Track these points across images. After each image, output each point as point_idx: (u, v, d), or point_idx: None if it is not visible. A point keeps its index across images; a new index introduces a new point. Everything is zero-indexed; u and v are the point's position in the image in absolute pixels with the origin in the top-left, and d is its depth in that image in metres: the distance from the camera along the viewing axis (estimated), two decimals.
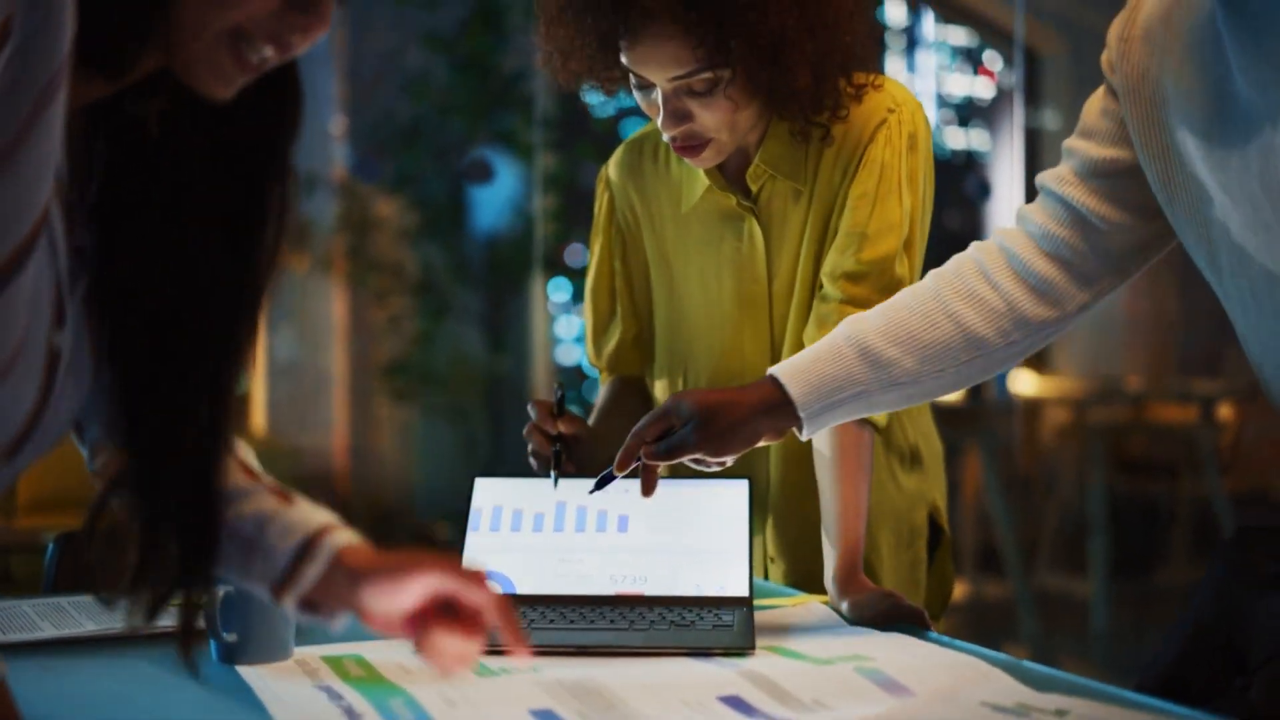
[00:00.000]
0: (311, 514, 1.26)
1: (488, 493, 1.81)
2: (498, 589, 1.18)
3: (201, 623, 1.23)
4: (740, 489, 1.77)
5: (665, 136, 1.80)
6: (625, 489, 1.78)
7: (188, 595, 1.21)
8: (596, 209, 2.06)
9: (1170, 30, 1.45)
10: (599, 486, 1.71)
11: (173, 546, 1.18)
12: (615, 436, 1.98)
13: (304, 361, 5.95)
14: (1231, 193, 1.39)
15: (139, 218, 1.15)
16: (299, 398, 5.92)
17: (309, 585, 1.22)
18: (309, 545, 1.23)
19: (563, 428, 1.86)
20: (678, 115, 1.77)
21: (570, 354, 6.34)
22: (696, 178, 1.91)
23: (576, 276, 6.11)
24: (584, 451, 1.89)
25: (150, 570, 1.19)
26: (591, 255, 2.07)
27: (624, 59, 1.75)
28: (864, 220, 1.80)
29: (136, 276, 1.15)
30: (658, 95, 1.77)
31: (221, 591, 1.49)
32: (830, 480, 1.77)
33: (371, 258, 5.77)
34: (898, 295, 1.68)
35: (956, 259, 1.68)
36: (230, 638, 1.50)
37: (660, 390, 2.03)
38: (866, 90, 1.83)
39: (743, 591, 1.68)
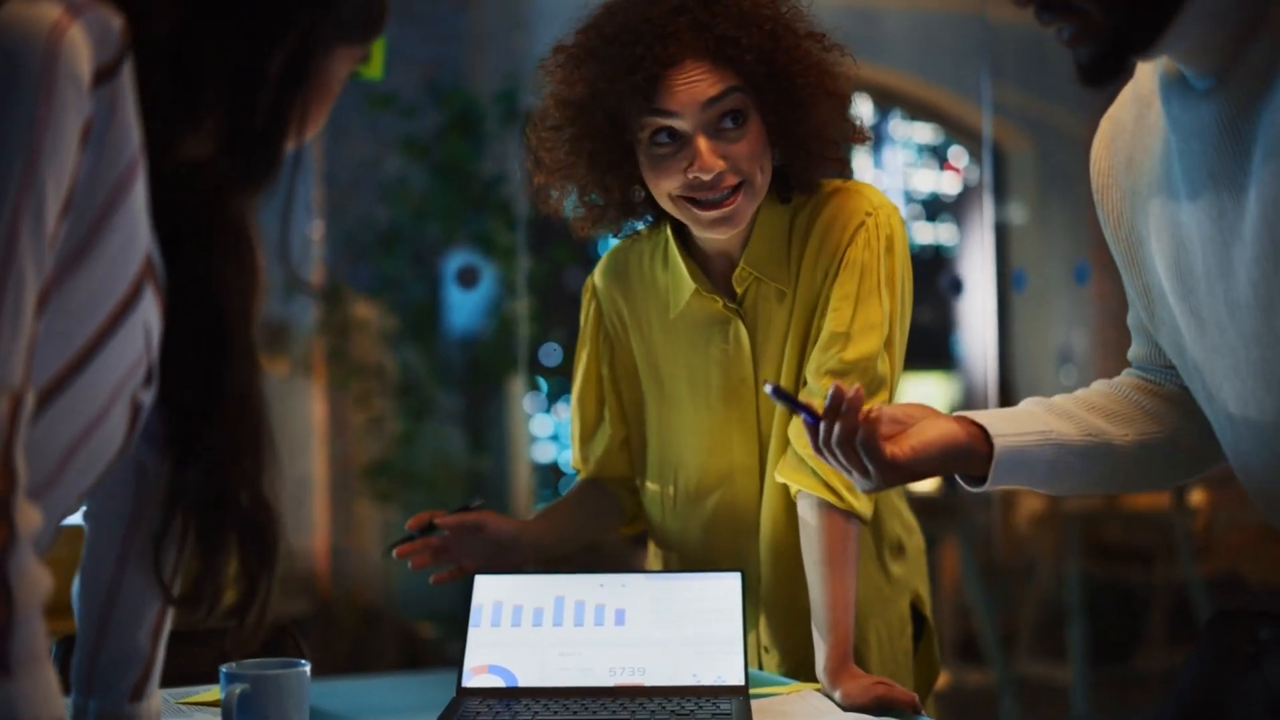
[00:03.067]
0: None
1: (487, 589, 1.86)
2: None
3: (259, 613, 1.33)
4: (733, 581, 1.83)
5: (706, 177, 1.82)
6: (622, 584, 1.84)
7: (251, 594, 1.32)
8: (583, 318, 2.11)
9: (1134, 172, 1.54)
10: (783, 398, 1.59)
11: (234, 550, 1.30)
12: (569, 527, 2.11)
13: (284, 464, 5.98)
14: (1200, 316, 1.48)
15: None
16: (280, 500, 5.95)
17: None
18: None
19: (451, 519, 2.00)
20: (716, 152, 1.83)
21: (547, 451, 6.38)
22: (682, 284, 1.98)
23: (551, 376, 6.16)
24: (495, 538, 2.02)
25: (217, 575, 1.30)
26: (578, 363, 2.12)
27: (660, 104, 1.81)
28: (846, 321, 1.87)
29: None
30: (691, 148, 1.83)
31: (238, 689, 1.54)
32: (818, 573, 1.83)
33: (352, 361, 5.82)
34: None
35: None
36: None
37: (651, 492, 2.08)
38: (847, 185, 1.95)
39: (739, 681, 1.74)
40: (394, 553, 1.99)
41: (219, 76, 1.19)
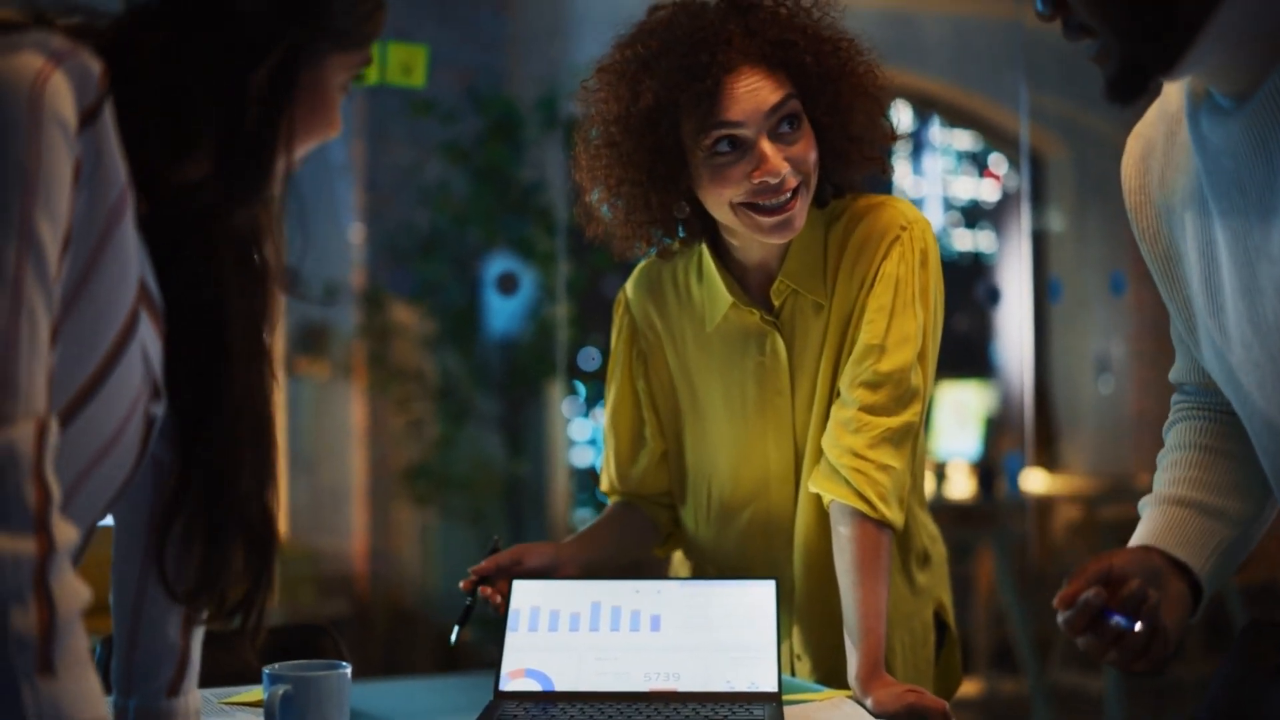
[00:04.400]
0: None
1: (525, 594, 1.89)
2: None
3: (257, 615, 1.38)
4: (768, 588, 1.85)
5: (774, 180, 1.84)
6: (658, 590, 1.86)
7: (251, 594, 1.36)
8: (614, 334, 2.12)
9: (1167, 189, 1.56)
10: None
11: (236, 551, 1.34)
12: (610, 547, 2.10)
13: (324, 466, 6.03)
14: (1228, 333, 1.49)
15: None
16: (319, 502, 5.99)
17: None
18: None
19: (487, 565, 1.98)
20: (779, 154, 1.85)
21: (585, 456, 6.41)
22: (719, 297, 2.00)
23: (589, 381, 6.19)
24: (534, 569, 2.00)
25: (217, 574, 1.34)
26: (611, 379, 2.13)
27: (725, 113, 1.83)
28: (881, 333, 1.90)
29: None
30: (755, 153, 1.84)
31: (281, 690, 1.57)
32: (851, 582, 1.85)
33: (392, 365, 5.86)
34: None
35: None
36: None
37: (691, 506, 2.10)
38: (882, 200, 1.97)
39: (772, 687, 1.76)
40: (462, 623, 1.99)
41: (206, 94, 1.24)
